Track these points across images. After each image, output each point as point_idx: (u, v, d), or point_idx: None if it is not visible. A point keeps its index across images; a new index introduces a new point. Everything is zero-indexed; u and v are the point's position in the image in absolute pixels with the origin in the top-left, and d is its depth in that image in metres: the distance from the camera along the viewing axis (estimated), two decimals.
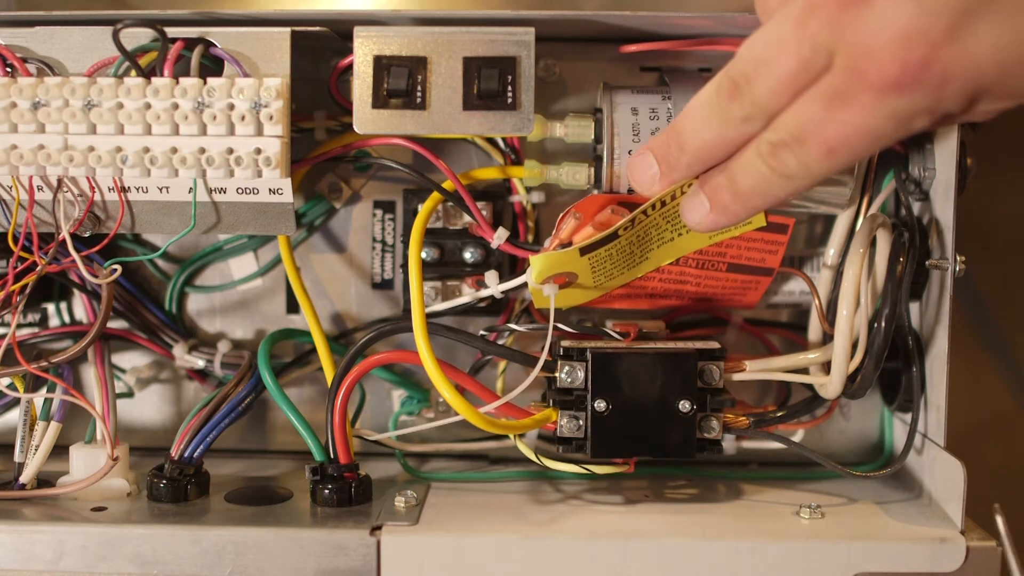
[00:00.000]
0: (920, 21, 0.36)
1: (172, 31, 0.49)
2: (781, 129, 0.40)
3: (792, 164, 0.41)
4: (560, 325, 0.51)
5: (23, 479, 0.52)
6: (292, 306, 0.61)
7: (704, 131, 0.43)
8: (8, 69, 0.49)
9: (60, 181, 0.50)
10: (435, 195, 0.52)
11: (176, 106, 0.48)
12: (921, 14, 0.36)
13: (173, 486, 0.52)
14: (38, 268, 0.50)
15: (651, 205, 0.48)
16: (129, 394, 0.61)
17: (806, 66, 0.39)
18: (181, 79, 0.48)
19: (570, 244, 0.49)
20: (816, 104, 0.39)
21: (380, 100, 0.50)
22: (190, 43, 0.49)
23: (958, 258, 0.50)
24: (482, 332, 0.54)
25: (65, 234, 0.50)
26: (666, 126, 0.51)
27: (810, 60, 0.39)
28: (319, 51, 0.56)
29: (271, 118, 0.48)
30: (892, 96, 0.38)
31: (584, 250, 0.48)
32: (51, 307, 0.61)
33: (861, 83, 0.38)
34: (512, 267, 0.58)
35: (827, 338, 0.55)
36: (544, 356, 0.49)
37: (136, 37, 0.49)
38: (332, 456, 0.52)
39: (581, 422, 0.50)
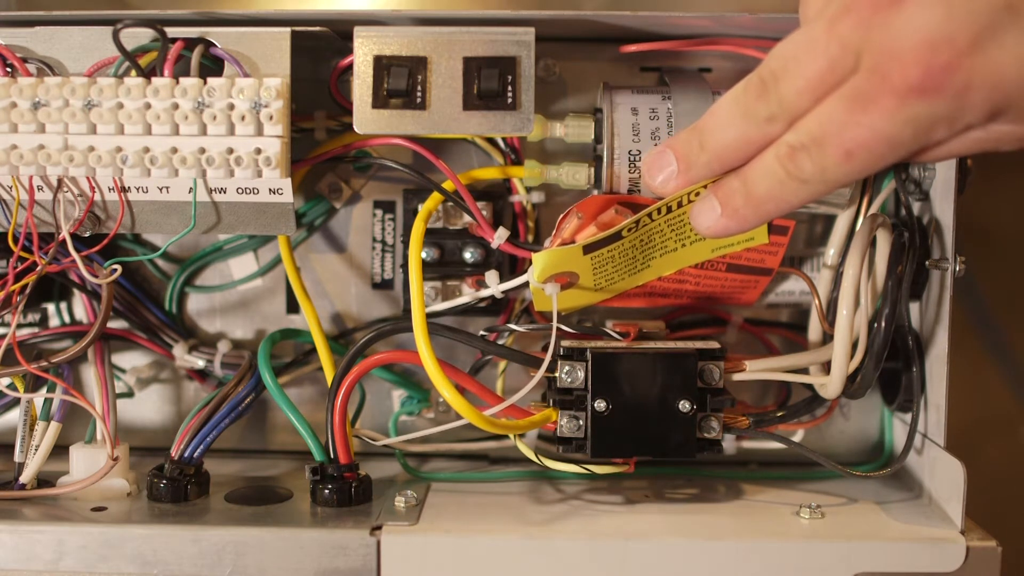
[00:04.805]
0: (947, 28, 0.36)
1: (172, 31, 0.49)
2: (802, 131, 0.40)
3: (808, 167, 0.40)
4: (560, 325, 0.51)
5: (23, 479, 0.52)
6: (292, 306, 0.61)
7: (728, 129, 0.42)
8: (8, 69, 0.49)
9: (60, 181, 0.50)
10: (435, 195, 0.52)
11: (176, 106, 0.48)
12: (949, 21, 0.36)
13: (173, 486, 0.52)
14: (38, 268, 0.50)
15: (657, 209, 0.47)
16: (129, 394, 0.61)
17: (833, 67, 0.39)
18: (181, 79, 0.48)
19: (573, 243, 0.49)
20: (839, 106, 0.39)
21: (380, 100, 0.50)
22: (190, 43, 0.49)
23: (958, 258, 0.50)
24: (482, 332, 0.54)
25: (65, 234, 0.50)
26: (666, 126, 0.51)
27: (838, 61, 0.38)
28: (319, 51, 0.56)
29: (271, 118, 0.48)
30: (913, 101, 0.37)
31: (588, 248, 0.48)
32: (51, 307, 0.61)
33: (883, 86, 0.38)
34: (512, 267, 0.58)
35: (827, 338, 0.55)
36: (549, 356, 0.49)
37: (136, 37, 0.49)
38: (332, 456, 0.52)
39: (581, 422, 0.50)
